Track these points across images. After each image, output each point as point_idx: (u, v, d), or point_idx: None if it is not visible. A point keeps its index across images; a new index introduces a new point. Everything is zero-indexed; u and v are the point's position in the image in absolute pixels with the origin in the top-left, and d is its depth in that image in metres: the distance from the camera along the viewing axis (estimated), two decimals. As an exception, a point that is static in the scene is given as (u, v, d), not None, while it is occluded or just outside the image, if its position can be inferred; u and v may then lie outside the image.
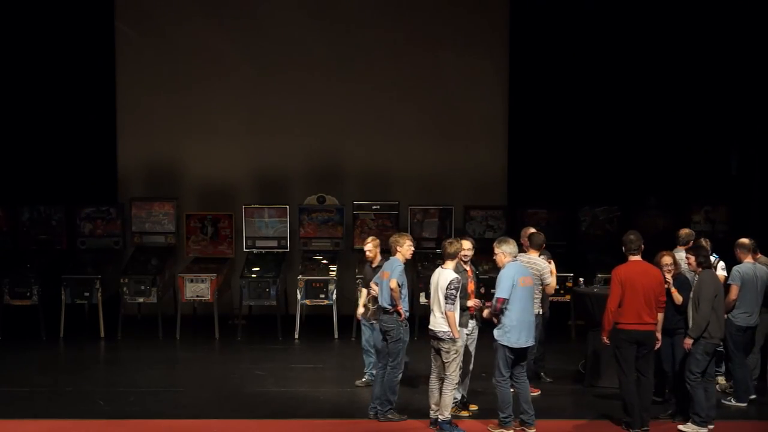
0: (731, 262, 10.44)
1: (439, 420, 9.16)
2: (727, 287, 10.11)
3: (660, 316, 9.24)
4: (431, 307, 9.21)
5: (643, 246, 9.35)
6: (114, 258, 14.76)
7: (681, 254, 10.03)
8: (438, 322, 9.09)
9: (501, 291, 8.94)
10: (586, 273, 12.70)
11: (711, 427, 9.28)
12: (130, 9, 15.85)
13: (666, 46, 15.19)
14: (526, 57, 15.68)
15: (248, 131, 15.88)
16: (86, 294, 13.93)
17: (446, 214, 14.72)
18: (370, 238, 10.70)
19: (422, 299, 11.38)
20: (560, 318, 13.61)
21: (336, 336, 13.87)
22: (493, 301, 9.02)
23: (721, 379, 10.65)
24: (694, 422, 9.23)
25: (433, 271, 9.45)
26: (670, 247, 10.31)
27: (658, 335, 9.31)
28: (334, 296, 13.88)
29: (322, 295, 13.80)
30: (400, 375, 9.55)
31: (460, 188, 15.56)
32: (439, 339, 9.09)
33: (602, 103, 15.43)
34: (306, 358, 12.68)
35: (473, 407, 9.87)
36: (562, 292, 13.18)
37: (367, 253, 10.53)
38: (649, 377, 9.29)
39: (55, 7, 15.21)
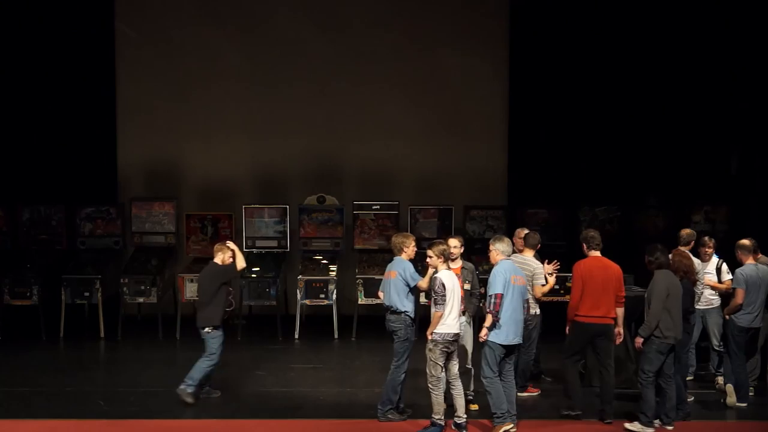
0: (731, 262, 10.44)
1: (462, 423, 9.13)
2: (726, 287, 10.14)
3: (620, 311, 9.45)
4: (449, 310, 9.03)
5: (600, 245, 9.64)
6: (114, 258, 14.75)
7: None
8: (459, 325, 9.15)
9: (495, 287, 8.99)
10: (586, 273, 12.67)
11: (670, 429, 9.26)
12: (130, 9, 15.87)
13: (666, 46, 15.18)
14: (526, 57, 15.69)
15: (248, 131, 15.89)
16: (86, 294, 13.94)
17: (446, 214, 14.71)
18: None
19: (422, 299, 11.33)
20: (560, 318, 13.58)
21: (336, 336, 13.88)
22: (491, 299, 8.97)
23: (721, 380, 10.64)
24: (641, 421, 9.21)
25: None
26: (670, 248, 10.29)
27: (620, 330, 9.52)
28: (334, 296, 13.89)
29: (322, 295, 13.81)
30: (403, 375, 9.53)
31: (460, 188, 15.56)
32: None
33: (602, 103, 15.44)
34: (306, 358, 12.69)
35: (474, 407, 9.86)
36: (561, 292, 13.16)
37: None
38: (610, 370, 9.48)
39: (55, 7, 15.22)
